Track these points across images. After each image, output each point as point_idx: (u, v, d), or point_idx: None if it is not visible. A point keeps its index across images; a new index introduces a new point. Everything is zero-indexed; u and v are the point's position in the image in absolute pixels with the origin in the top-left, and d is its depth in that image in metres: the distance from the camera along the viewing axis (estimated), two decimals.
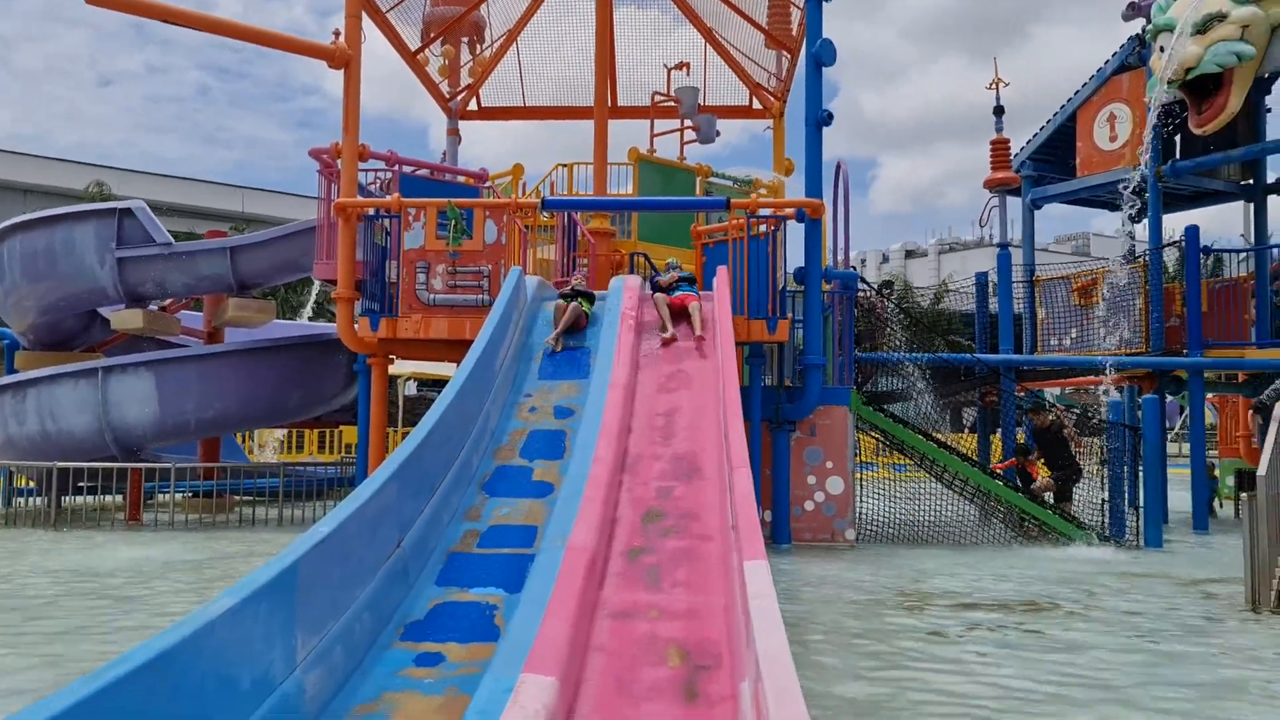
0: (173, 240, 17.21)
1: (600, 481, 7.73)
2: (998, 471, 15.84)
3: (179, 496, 17.44)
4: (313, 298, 40.71)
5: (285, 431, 29.75)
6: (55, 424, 16.08)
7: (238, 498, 18.35)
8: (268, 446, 30.25)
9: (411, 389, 34.48)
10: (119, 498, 17.64)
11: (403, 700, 5.50)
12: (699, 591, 6.51)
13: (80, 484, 16.41)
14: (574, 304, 11.82)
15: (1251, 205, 20.80)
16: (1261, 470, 9.41)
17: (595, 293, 12.67)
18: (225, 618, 4.35)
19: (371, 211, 14.68)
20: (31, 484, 17.59)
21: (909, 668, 7.09)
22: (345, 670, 5.64)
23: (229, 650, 4.42)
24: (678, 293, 12.05)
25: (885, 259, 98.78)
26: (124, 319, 17.21)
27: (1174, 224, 20.51)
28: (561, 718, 4.86)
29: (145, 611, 8.83)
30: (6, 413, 16.50)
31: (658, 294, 12.05)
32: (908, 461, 15.75)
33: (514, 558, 7.32)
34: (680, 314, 11.83)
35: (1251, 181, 20.49)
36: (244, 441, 27.72)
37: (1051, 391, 23.06)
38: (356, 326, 14.56)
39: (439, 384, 29.46)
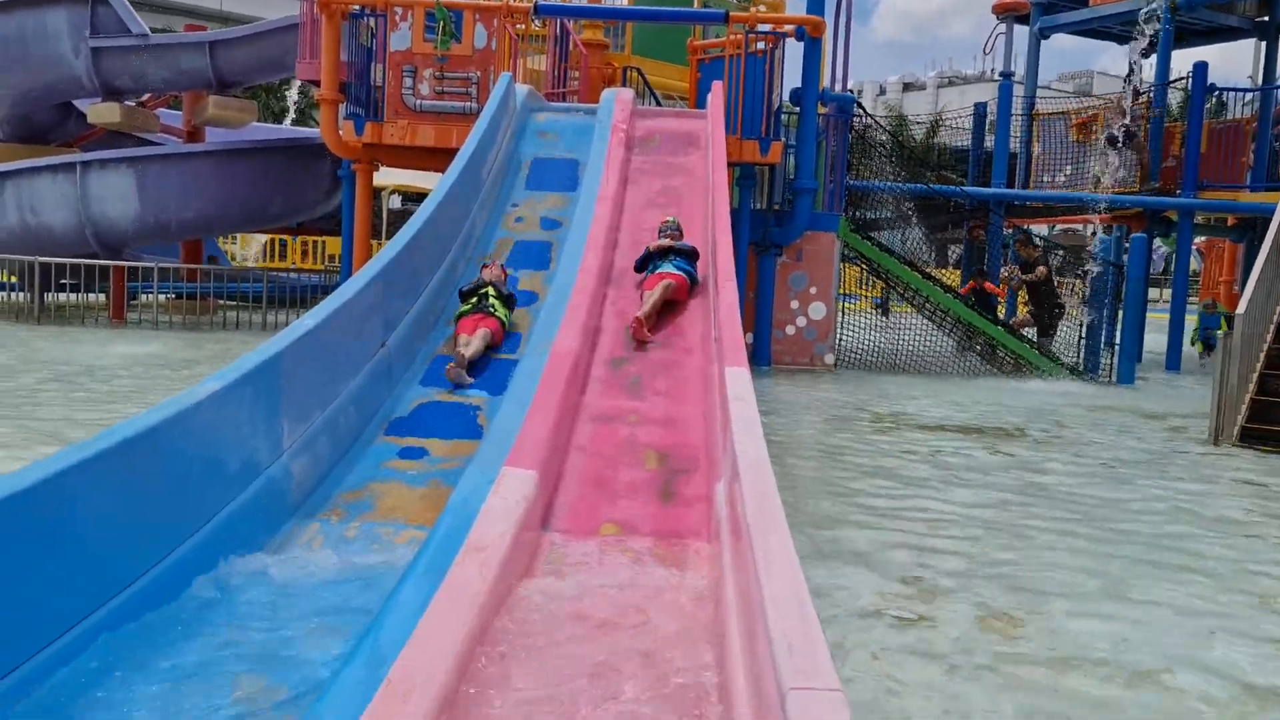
0: (149, 32, 16.55)
1: (586, 291, 7.73)
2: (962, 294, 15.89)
3: (161, 298, 17.41)
4: (293, 99, 39.53)
5: (266, 239, 29.47)
6: (35, 218, 15.86)
7: (220, 301, 18.33)
8: (251, 250, 30.02)
9: (396, 202, 34.02)
10: (101, 296, 17.60)
11: (387, 490, 5.66)
12: (678, 401, 6.63)
13: (63, 280, 16.33)
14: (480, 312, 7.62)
15: (1263, 44, 20.25)
16: (1240, 309, 9.52)
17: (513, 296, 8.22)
18: (211, 400, 4.41)
19: (356, 9, 14.09)
20: (13, 279, 17.49)
21: (876, 483, 7.32)
22: (330, 460, 5.78)
23: (215, 432, 4.50)
24: (661, 268, 8.05)
25: (882, 91, 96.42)
26: (100, 112, 16.73)
27: (1183, 61, 19.97)
28: (540, 510, 5.02)
29: (135, 403, 8.95)
30: None
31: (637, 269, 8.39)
32: (890, 293, 15.82)
33: (498, 362, 7.39)
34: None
35: (1267, 18, 19.87)
36: (226, 245, 27.51)
37: (1039, 230, 22.97)
38: (340, 130, 14.21)
39: (424, 199, 29.07)
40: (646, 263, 8.28)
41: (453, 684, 2.93)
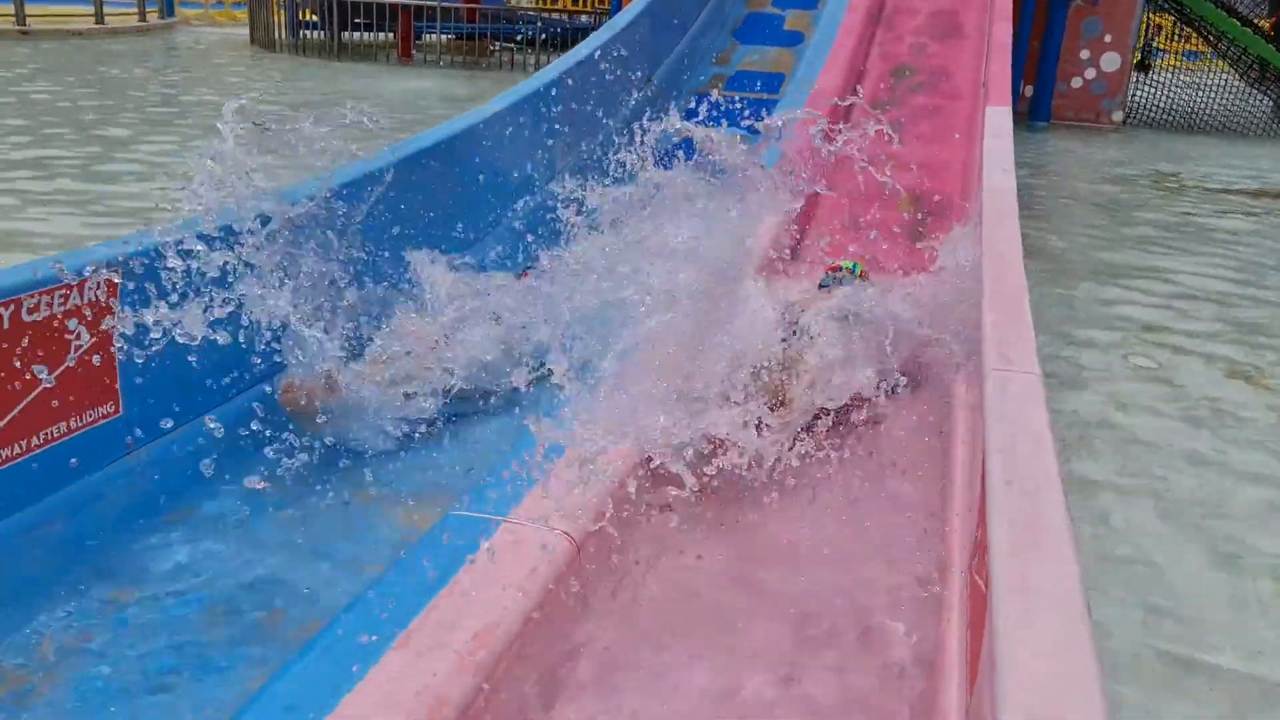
0: None
1: (852, 31, 7.55)
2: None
3: (443, 38, 18.21)
4: None
5: None
6: None
7: (497, 42, 18.95)
8: None
9: None
10: (390, 35, 18.63)
11: None
12: (939, 146, 6.53)
13: (357, 20, 17.36)
14: None
15: None
16: None
17: None
18: (494, 118, 4.83)
19: None
20: (315, 18, 18.74)
21: (1140, 237, 7.00)
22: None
23: (496, 146, 4.95)
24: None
25: None
26: None
27: None
28: (788, 242, 5.24)
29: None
30: None
31: None
32: (1203, 48, 14.20)
33: (758, 102, 7.46)
34: None
35: None
36: None
37: None
38: None
39: None
40: None
41: None
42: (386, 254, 3.71)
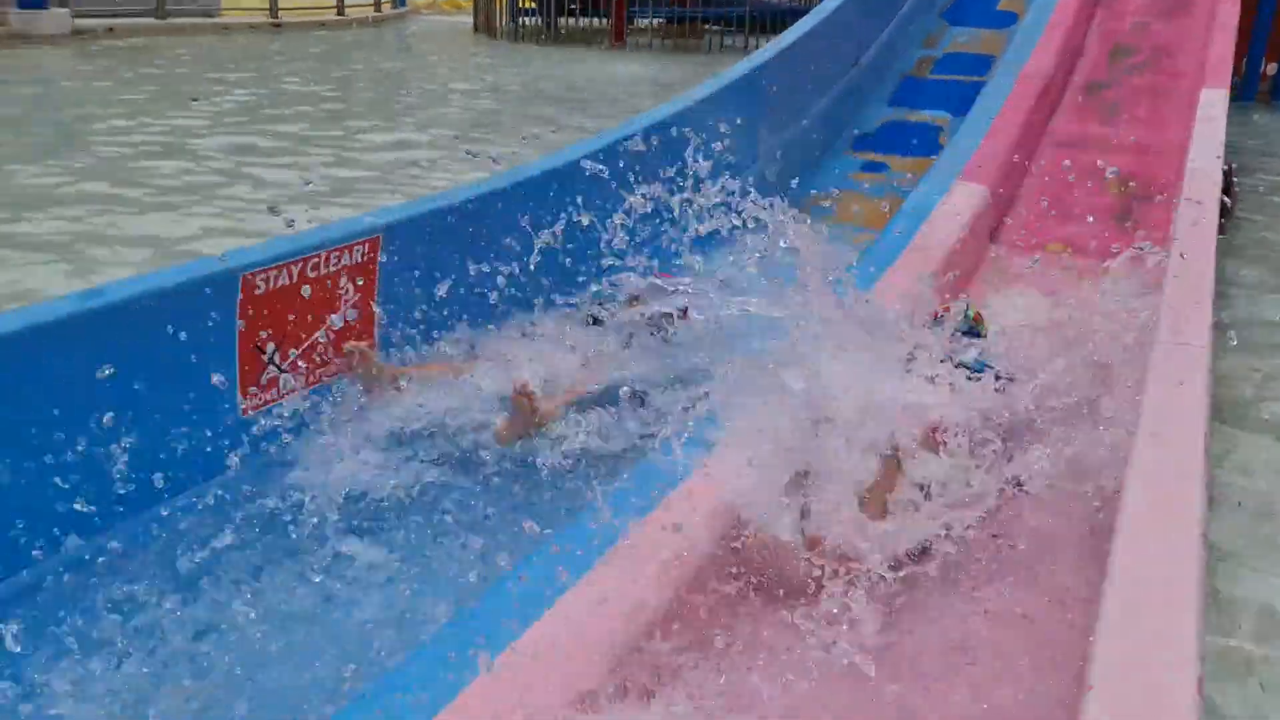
0: None
1: (1068, 9, 7.40)
2: None
3: (656, 22, 18.67)
4: None
5: None
6: None
7: (708, 25, 19.25)
8: None
9: None
10: (603, 21, 19.26)
11: (848, 198, 6.20)
12: (1156, 128, 6.35)
13: (572, 6, 18.06)
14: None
15: None
16: None
17: None
18: (701, 103, 5.12)
19: None
20: (533, 4, 19.61)
21: None
22: (799, 169, 6.37)
23: (703, 129, 5.23)
24: None
25: None
26: None
27: None
28: (989, 224, 5.29)
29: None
30: None
31: None
32: None
33: (968, 85, 7.42)
34: None
35: None
36: None
37: None
38: None
39: None
40: None
41: None
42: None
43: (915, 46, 8.03)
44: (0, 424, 2.27)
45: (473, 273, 3.32)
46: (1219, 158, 4.24)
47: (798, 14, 18.86)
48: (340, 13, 19.49)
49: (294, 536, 2.48)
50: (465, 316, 3.41)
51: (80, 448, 2.36)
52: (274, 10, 17.74)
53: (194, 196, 6.47)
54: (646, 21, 18.62)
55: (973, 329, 3.32)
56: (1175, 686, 1.28)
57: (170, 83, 11.11)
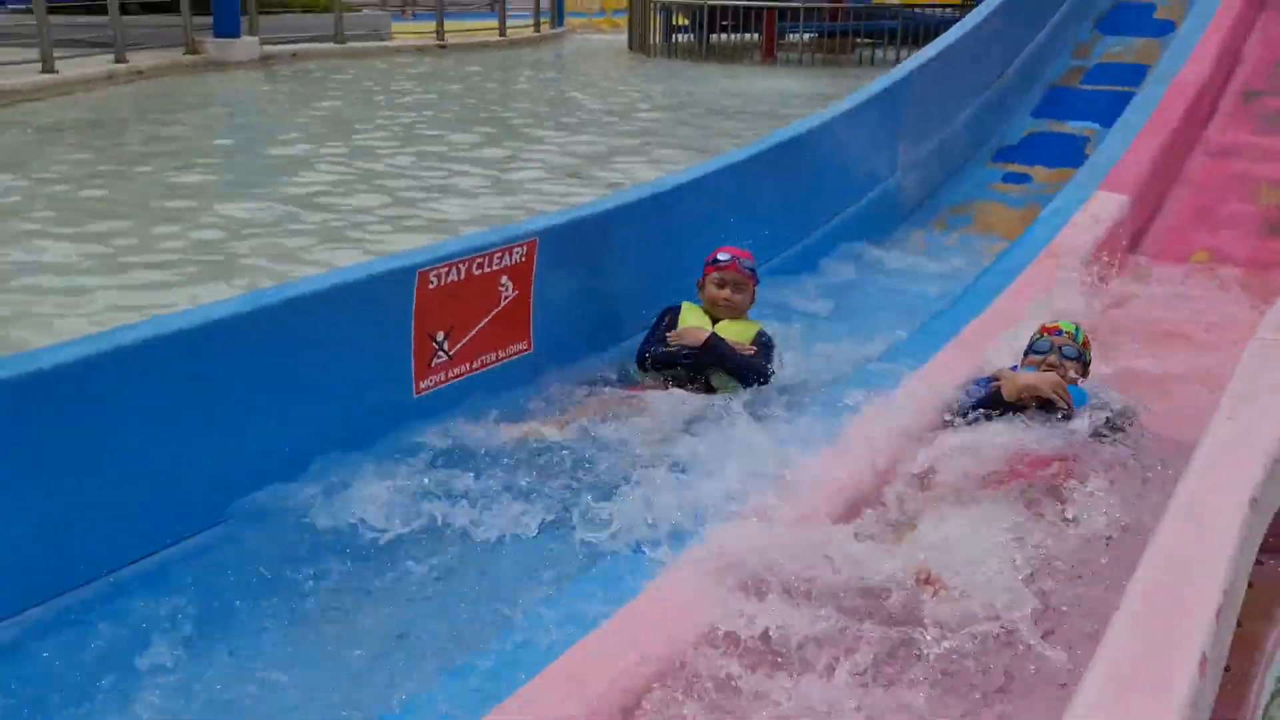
0: None
1: (1228, 16, 7.25)
2: None
3: (806, 37, 18.80)
4: None
5: None
6: None
7: (859, 39, 19.27)
8: None
9: None
10: (754, 36, 19.51)
11: (987, 208, 6.28)
12: None
13: (724, 22, 18.38)
14: None
15: None
16: None
17: None
18: (842, 117, 5.34)
19: None
20: (685, 22, 20.03)
21: None
22: (939, 180, 6.51)
23: (845, 143, 5.45)
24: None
25: None
26: None
27: None
28: (1130, 232, 5.30)
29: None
30: None
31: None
32: None
33: (1119, 95, 7.34)
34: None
35: None
36: None
37: None
38: None
39: None
40: None
41: None
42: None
43: (1066, 56, 8.00)
44: (252, 382, 2.71)
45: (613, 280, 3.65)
46: None
47: (949, 25, 18.66)
48: (502, 33, 20.38)
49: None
50: (612, 319, 3.75)
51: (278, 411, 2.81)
52: (440, 33, 18.72)
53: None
54: (797, 37, 18.77)
55: (1080, 354, 3.16)
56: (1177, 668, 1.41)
57: (360, 95, 12.02)
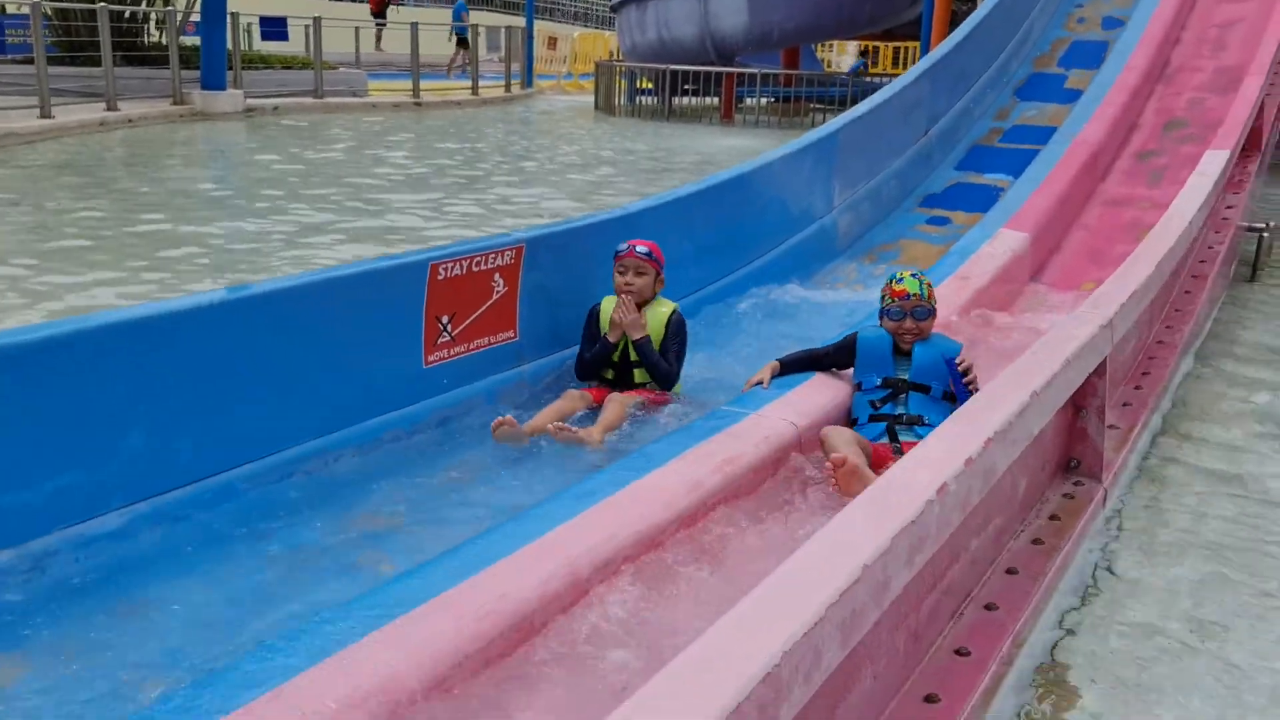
0: None
1: (1126, 88, 8.23)
2: None
3: (763, 101, 19.94)
4: None
5: (860, 46, 31.02)
6: (669, 33, 19.01)
7: (812, 104, 20.44)
8: (845, 58, 31.83)
9: None
10: (714, 100, 20.63)
11: (912, 245, 7.14)
12: None
13: (686, 86, 19.48)
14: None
15: None
16: None
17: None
18: (782, 160, 6.18)
19: None
20: (649, 85, 21.13)
21: None
22: (870, 221, 7.36)
23: (784, 183, 6.28)
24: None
25: None
26: None
27: None
28: (1030, 266, 6.16)
29: None
30: (632, 24, 19.77)
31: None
32: None
33: (1030, 152, 8.29)
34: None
35: None
36: (822, 53, 29.56)
37: None
38: None
39: None
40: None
41: None
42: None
43: (988, 118, 8.96)
44: (275, 352, 3.41)
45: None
46: (1202, 206, 5.06)
47: None
48: (475, 92, 21.34)
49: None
50: (583, 315, 4.49)
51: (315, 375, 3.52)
52: (416, 91, 19.62)
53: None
54: (754, 100, 19.91)
55: (930, 309, 3.70)
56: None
57: (337, 145, 12.79)
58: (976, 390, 3.22)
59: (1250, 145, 7.56)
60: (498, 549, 2.46)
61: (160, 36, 16.92)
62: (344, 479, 3.44)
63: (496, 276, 4.16)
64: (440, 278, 3.89)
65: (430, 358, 3.93)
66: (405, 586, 2.30)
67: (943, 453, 2.09)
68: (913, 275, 3.73)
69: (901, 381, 3.65)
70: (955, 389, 3.54)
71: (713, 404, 3.83)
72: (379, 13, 28.57)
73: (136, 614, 2.69)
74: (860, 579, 1.56)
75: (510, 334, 4.30)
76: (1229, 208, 6.96)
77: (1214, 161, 5.87)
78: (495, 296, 4.19)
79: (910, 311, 3.66)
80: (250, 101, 16.30)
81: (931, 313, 3.71)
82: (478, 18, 29.60)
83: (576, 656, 2.25)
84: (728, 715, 1.24)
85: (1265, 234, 7.16)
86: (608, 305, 4.30)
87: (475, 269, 4.05)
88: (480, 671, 2.21)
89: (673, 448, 3.06)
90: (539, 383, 4.37)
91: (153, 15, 16.81)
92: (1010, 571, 2.72)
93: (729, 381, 4.31)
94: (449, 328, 3.99)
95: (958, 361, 3.57)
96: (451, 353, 4.02)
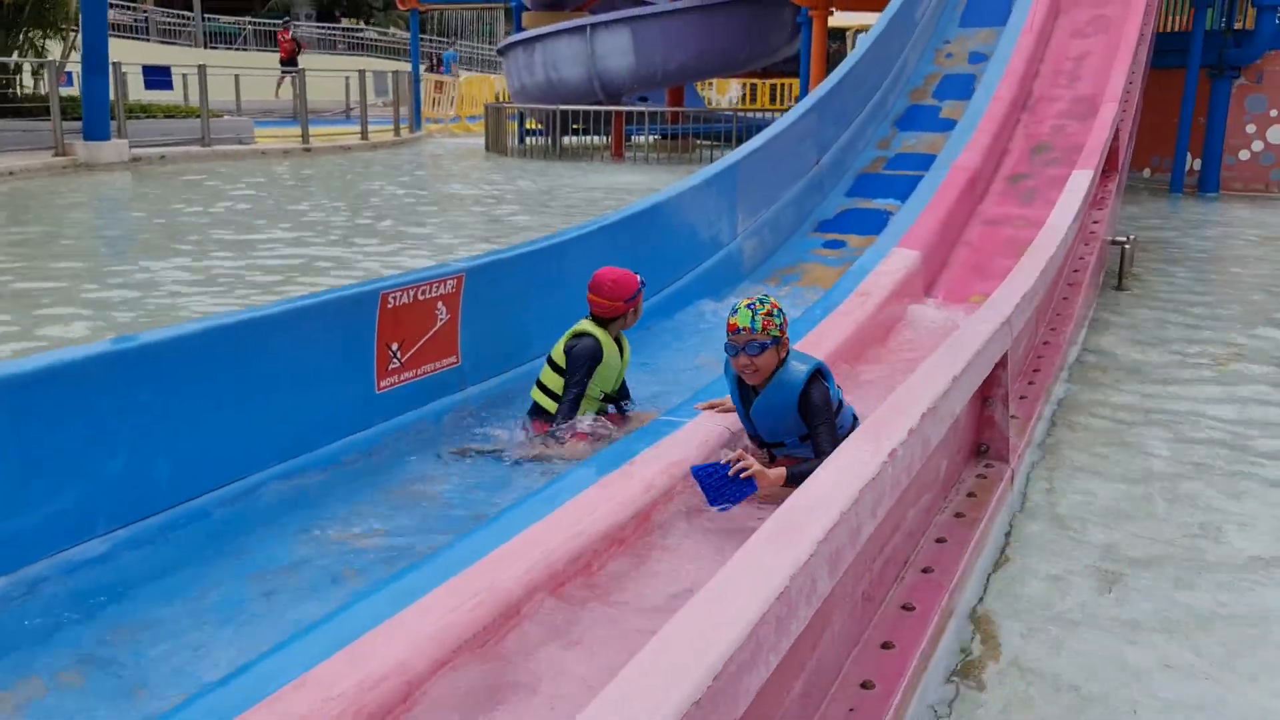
0: None
1: (995, 117, 8.90)
2: None
3: (651, 138, 20.49)
4: None
5: (741, 84, 32.07)
6: (556, 73, 19.41)
7: (698, 140, 21.09)
8: (728, 95, 32.80)
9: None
10: (603, 138, 21.11)
11: (812, 268, 7.58)
12: None
13: (575, 125, 19.90)
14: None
15: None
16: None
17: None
18: (690, 191, 6.55)
19: None
20: (539, 126, 21.48)
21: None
22: (772, 246, 7.79)
23: (693, 212, 6.64)
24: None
25: None
26: None
27: None
28: (923, 282, 6.64)
29: None
30: (520, 66, 20.11)
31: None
32: None
33: (914, 178, 8.87)
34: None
35: None
36: (704, 90, 30.45)
37: None
38: None
39: None
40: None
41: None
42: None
43: (872, 148, 9.55)
44: (244, 380, 3.56)
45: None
46: (1074, 220, 5.61)
47: None
48: (364, 137, 21.36)
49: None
50: (522, 340, 4.74)
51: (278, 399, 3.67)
52: (305, 136, 19.57)
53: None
54: (643, 138, 20.44)
55: (764, 342, 3.22)
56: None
57: (223, 193, 12.73)
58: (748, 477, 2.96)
59: (1109, 166, 8.27)
60: (483, 546, 2.68)
61: (36, 87, 16.54)
62: (310, 499, 3.59)
63: (440, 305, 4.38)
64: (389, 306, 4.09)
65: (382, 383, 4.11)
66: (401, 586, 2.51)
67: (889, 425, 2.43)
68: (748, 305, 3.25)
69: (760, 440, 3.41)
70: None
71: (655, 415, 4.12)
72: (289, 59, 28.27)
73: (133, 635, 2.82)
74: (840, 522, 1.86)
75: (453, 359, 4.51)
76: (1095, 223, 7.61)
77: (1081, 180, 6.47)
78: (439, 323, 4.40)
79: (743, 347, 3.22)
80: (136, 151, 16.05)
81: (767, 346, 3.20)
82: (362, 63, 29.60)
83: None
84: (753, 626, 1.51)
85: (1127, 246, 7.85)
86: (608, 345, 4.28)
87: (421, 297, 4.26)
88: (476, 650, 2.44)
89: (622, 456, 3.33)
90: (480, 404, 4.58)
91: (25, 65, 16.43)
92: (940, 540, 3.06)
93: (670, 393, 4.62)
94: (398, 354, 4.19)
95: (731, 460, 3.01)
96: (401, 378, 4.21)
